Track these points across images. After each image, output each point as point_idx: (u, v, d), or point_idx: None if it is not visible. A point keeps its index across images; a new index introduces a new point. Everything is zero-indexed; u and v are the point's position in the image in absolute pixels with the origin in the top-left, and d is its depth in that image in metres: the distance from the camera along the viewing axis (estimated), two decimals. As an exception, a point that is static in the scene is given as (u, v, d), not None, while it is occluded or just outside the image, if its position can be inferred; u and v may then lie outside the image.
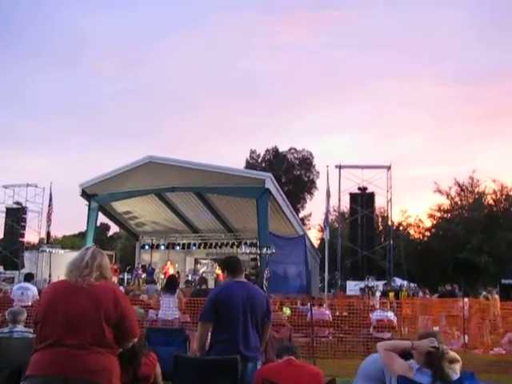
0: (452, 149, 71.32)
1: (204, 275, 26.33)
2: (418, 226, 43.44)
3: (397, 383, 3.71)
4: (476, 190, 39.63)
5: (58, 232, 55.35)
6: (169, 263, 26.74)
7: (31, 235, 29.37)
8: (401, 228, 42.77)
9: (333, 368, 7.55)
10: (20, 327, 5.97)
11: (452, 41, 72.17)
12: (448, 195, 40.13)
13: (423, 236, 43.02)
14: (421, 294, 21.54)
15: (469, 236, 35.00)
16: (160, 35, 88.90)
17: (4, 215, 27.34)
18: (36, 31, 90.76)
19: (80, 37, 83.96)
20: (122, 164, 23.54)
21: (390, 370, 3.85)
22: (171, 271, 24.87)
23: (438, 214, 40.86)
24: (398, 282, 24.69)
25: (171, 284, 10.69)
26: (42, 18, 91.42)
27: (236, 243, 28.14)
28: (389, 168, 23.24)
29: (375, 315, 11.36)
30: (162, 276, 24.43)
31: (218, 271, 24.79)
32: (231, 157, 77.97)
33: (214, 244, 29.05)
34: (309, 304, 11.20)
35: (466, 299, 12.89)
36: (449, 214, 40.37)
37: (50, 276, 21.81)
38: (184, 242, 29.95)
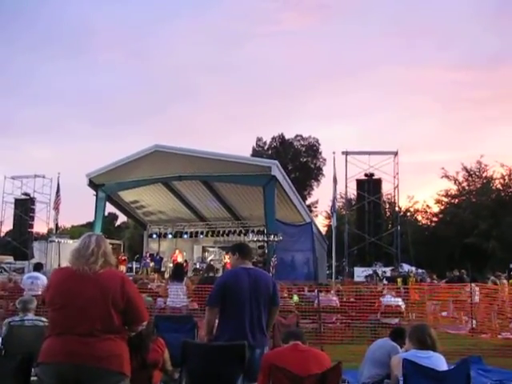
0: (459, 134, 71.09)
1: (212, 263, 26.47)
2: (426, 212, 43.26)
3: (402, 367, 3.77)
4: (484, 175, 39.32)
5: (66, 222, 55.82)
6: (177, 251, 26.85)
7: (40, 226, 29.62)
8: (408, 214, 42.63)
9: (340, 353, 7.60)
10: (31, 315, 6.04)
11: (458, 25, 71.58)
12: (455, 180, 39.90)
13: (431, 222, 42.86)
14: (428, 279, 21.55)
15: (476, 221, 34.85)
16: (164, 24, 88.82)
17: (13, 206, 27.52)
18: (45, 21, 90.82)
19: (87, 27, 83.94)
20: (129, 153, 23.59)
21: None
22: (179, 259, 24.99)
23: (446, 200, 40.67)
24: (406, 267, 24.69)
25: (179, 272, 10.78)
26: (46, 10, 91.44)
27: (243, 231, 28.20)
28: (396, 154, 23.18)
29: (384, 300, 11.41)
30: (171, 264, 24.53)
31: (227, 259, 24.86)
32: (238, 145, 77.99)
33: (221, 232, 29.13)
34: (316, 290, 11.25)
35: (473, 284, 12.89)
36: (456, 200, 40.16)
37: (59, 266, 21.99)
38: (191, 230, 30.04)
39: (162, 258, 27.85)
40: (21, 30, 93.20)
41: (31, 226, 27.65)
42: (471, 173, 39.65)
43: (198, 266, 26.51)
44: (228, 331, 4.44)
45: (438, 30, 74.20)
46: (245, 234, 27.47)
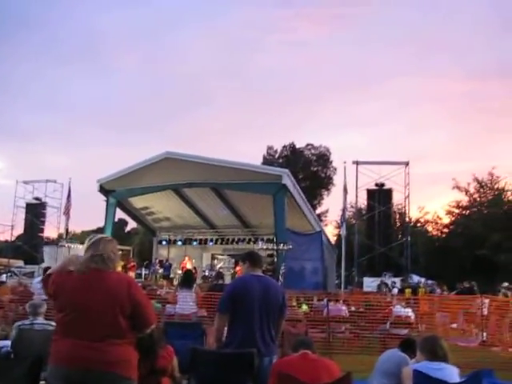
0: (471, 145, 70.74)
1: (221, 271, 26.47)
2: (436, 223, 43.03)
3: (413, 378, 3.74)
4: (496, 187, 39.03)
5: (76, 227, 55.91)
6: (187, 258, 26.85)
7: (50, 230, 29.76)
8: (418, 225, 42.45)
9: (349, 364, 7.54)
10: (40, 319, 6.05)
11: (472, 37, 71.49)
12: (467, 192, 39.66)
13: (441, 233, 42.61)
14: (438, 290, 21.40)
15: (488, 233, 34.56)
16: (176, 31, 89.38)
17: (24, 210, 27.70)
18: (54, 27, 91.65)
19: (98, 33, 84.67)
20: (140, 160, 23.67)
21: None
22: (189, 266, 24.98)
23: (457, 211, 40.43)
24: (416, 278, 24.56)
25: (188, 279, 10.78)
26: (57, 15, 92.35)
27: (253, 239, 28.15)
28: (407, 164, 23.11)
29: (395, 310, 11.34)
30: (180, 271, 24.54)
31: (237, 268, 24.83)
32: (248, 153, 77.98)
33: (230, 240, 29.08)
34: (325, 300, 11.20)
35: (484, 297, 12.76)
36: (467, 211, 39.90)
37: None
38: (201, 237, 30.04)
39: (171, 265, 27.85)
40: (28, 35, 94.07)
41: (42, 231, 27.82)
42: (483, 184, 39.40)
43: (206, 274, 26.50)
44: (237, 338, 4.42)
45: (450, 42, 74.21)
46: (254, 242, 27.41)
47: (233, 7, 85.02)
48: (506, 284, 16.13)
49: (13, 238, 29.90)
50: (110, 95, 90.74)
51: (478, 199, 39.82)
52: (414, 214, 38.93)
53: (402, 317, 10.97)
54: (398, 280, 21.54)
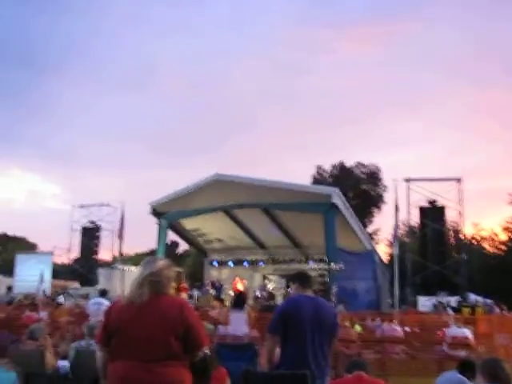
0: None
1: (272, 291, 26.37)
2: (493, 240, 41.76)
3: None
4: (555, 200, 37.77)
5: (130, 250, 57.02)
6: (237, 279, 26.88)
7: (105, 253, 30.43)
8: (474, 242, 41.28)
9: (406, 386, 7.39)
10: (96, 341, 6.18)
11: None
12: (524, 207, 38.45)
13: (498, 250, 41.29)
14: (497, 310, 20.63)
15: (548, 249, 33.33)
16: (223, 55, 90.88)
17: (80, 234, 28.47)
18: (99, 55, 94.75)
19: (147, 62, 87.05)
20: (191, 182, 24.02)
21: None
22: (240, 287, 25.01)
23: (514, 227, 39.18)
24: (472, 297, 23.79)
25: (240, 300, 10.81)
26: (107, 43, 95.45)
27: (304, 259, 27.96)
28: (459, 180, 22.59)
29: (450, 331, 11.00)
30: (231, 292, 24.58)
31: (288, 289, 24.68)
32: (298, 173, 78.07)
33: (281, 260, 28.97)
34: (379, 320, 11.00)
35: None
36: (526, 227, 38.63)
37: (123, 292, 22.42)
38: (251, 258, 30.01)
39: (221, 286, 27.92)
40: (74, 63, 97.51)
41: (97, 253, 28.50)
42: (541, 198, 38.11)
43: (258, 294, 26.43)
44: (289, 359, 4.38)
45: (502, 53, 72.56)
46: (305, 262, 27.23)
47: (278, 31, 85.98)
48: None
49: (69, 261, 30.72)
50: (159, 120, 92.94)
51: (537, 214, 38.50)
52: (468, 231, 37.97)
53: (459, 337, 10.63)
54: (453, 299, 20.93)
